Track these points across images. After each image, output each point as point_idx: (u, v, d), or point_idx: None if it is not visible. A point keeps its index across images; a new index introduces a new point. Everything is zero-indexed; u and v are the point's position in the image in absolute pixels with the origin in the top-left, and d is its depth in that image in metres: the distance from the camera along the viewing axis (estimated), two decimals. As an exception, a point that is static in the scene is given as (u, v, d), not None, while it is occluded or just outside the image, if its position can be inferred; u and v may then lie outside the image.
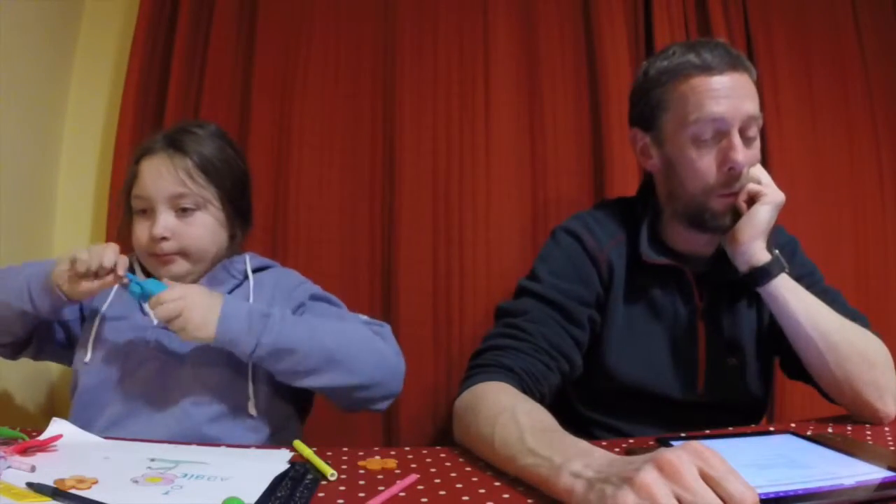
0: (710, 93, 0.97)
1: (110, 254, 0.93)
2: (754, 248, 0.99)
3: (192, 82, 1.57)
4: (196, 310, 0.91)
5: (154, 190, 1.01)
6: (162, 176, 1.01)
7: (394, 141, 1.59)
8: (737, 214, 1.01)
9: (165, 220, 1.00)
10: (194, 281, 1.05)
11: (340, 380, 0.95)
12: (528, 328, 0.99)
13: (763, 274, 0.98)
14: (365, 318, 1.07)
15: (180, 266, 1.03)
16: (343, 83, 1.61)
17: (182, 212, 1.02)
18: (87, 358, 1.01)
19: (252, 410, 0.99)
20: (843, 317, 0.99)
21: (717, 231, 1.03)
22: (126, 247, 1.03)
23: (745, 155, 0.98)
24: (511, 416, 0.76)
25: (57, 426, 0.85)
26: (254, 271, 1.10)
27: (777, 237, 1.15)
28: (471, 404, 0.87)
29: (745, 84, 0.99)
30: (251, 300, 1.05)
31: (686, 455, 0.54)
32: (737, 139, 0.97)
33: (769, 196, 1.00)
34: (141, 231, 1.03)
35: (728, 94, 0.97)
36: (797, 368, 1.08)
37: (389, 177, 1.59)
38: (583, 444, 0.67)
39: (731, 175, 0.98)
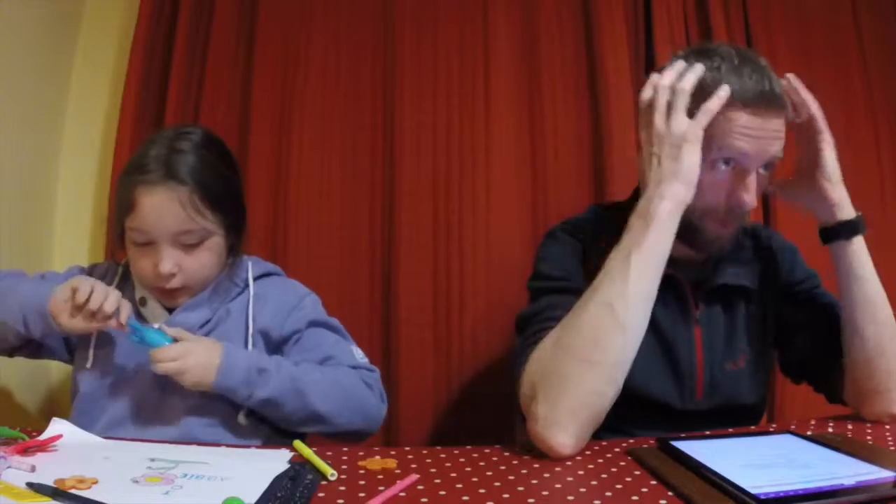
0: (740, 129, 0.93)
1: (112, 300, 0.92)
2: (844, 199, 0.99)
3: (192, 82, 1.57)
4: (195, 369, 0.93)
5: (158, 228, 0.96)
6: (166, 214, 0.95)
7: (394, 141, 1.59)
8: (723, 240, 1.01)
9: (172, 256, 0.97)
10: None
11: (324, 429, 1.00)
12: (558, 317, 0.94)
13: (851, 228, 0.99)
14: (360, 356, 1.08)
15: (185, 298, 1.03)
16: (343, 83, 1.61)
17: (187, 246, 0.98)
18: (89, 364, 1.00)
19: (242, 420, 0.99)
20: None
21: (704, 252, 1.02)
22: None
23: (755, 196, 0.96)
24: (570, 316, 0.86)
25: (57, 426, 0.85)
26: (256, 278, 1.09)
27: (777, 241, 1.15)
28: (535, 372, 0.86)
29: (778, 125, 0.96)
30: (251, 311, 1.04)
31: None
32: (752, 181, 0.95)
33: (827, 137, 1.01)
34: (143, 264, 0.99)
35: (760, 133, 0.94)
36: (799, 367, 1.07)
37: (389, 177, 1.59)
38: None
39: (734, 210, 0.97)
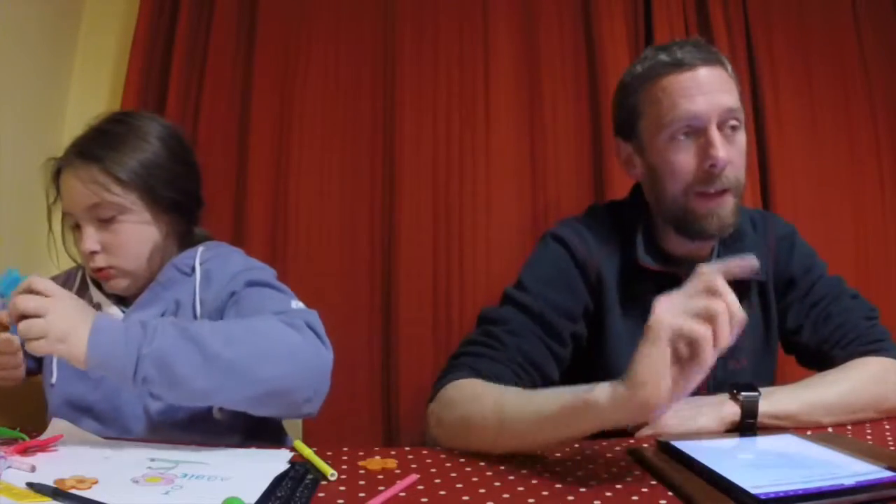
0: (681, 91, 0.95)
1: None
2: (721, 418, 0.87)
3: (192, 82, 1.58)
4: (61, 318, 0.76)
5: (72, 206, 0.98)
6: (74, 191, 0.97)
7: (394, 141, 1.59)
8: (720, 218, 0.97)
9: (90, 234, 0.97)
10: (143, 287, 1.01)
11: (251, 392, 0.83)
12: (504, 339, 0.97)
13: (751, 424, 0.88)
14: (296, 305, 0.95)
15: (120, 281, 1.00)
16: (343, 83, 1.61)
17: (104, 222, 0.97)
18: (54, 379, 0.99)
19: (216, 413, 0.96)
20: (840, 378, 0.95)
21: (703, 237, 1.00)
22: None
23: (727, 150, 0.95)
24: (499, 398, 0.80)
25: (57, 426, 0.85)
26: (204, 262, 1.03)
27: (775, 228, 1.13)
28: (449, 400, 0.89)
29: (719, 76, 0.96)
30: (198, 296, 0.99)
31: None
32: (715, 134, 0.94)
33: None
34: (77, 247, 1.00)
35: (701, 89, 0.94)
36: (801, 356, 1.09)
37: (389, 177, 1.59)
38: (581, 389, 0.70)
39: (712, 172, 0.95)
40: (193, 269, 1.02)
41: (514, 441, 0.78)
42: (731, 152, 0.97)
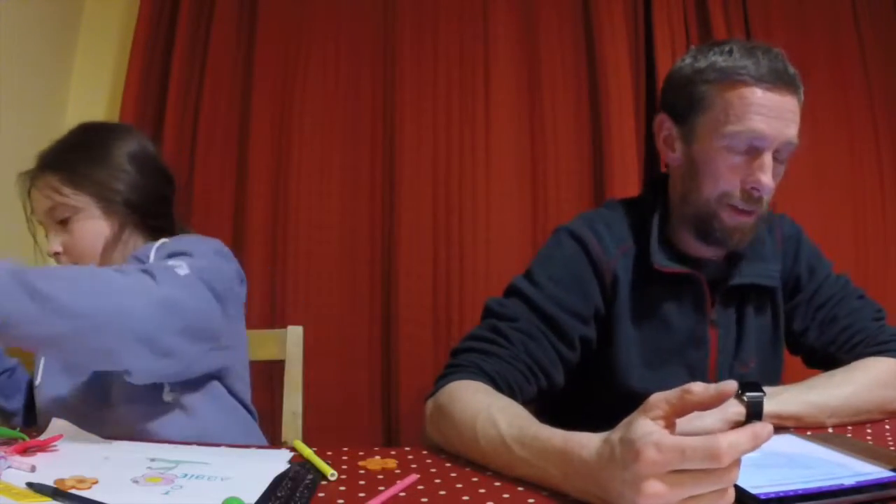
0: (758, 108, 0.92)
1: None
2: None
3: (192, 82, 1.58)
4: None
5: (37, 213, 1.06)
6: (36, 200, 1.06)
7: (394, 141, 1.59)
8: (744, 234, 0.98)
9: (52, 238, 1.04)
10: None
11: (61, 327, 0.77)
12: (512, 337, 0.95)
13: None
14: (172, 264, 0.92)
15: None
16: (343, 83, 1.61)
17: (61, 224, 1.04)
18: (38, 381, 1.02)
19: (167, 397, 0.96)
20: (846, 380, 0.94)
21: (722, 246, 1.00)
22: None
23: (772, 178, 0.94)
24: (487, 416, 0.76)
25: (57, 426, 0.85)
26: (159, 249, 1.03)
27: (783, 228, 1.11)
28: (444, 403, 0.86)
29: (794, 107, 0.95)
30: None
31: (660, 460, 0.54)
32: (769, 161, 0.93)
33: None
34: None
35: (777, 114, 0.92)
36: (807, 357, 1.09)
37: (389, 177, 1.59)
38: (558, 447, 0.66)
39: (751, 194, 0.95)
40: (149, 258, 1.01)
41: (489, 465, 0.75)
42: (773, 179, 0.96)
